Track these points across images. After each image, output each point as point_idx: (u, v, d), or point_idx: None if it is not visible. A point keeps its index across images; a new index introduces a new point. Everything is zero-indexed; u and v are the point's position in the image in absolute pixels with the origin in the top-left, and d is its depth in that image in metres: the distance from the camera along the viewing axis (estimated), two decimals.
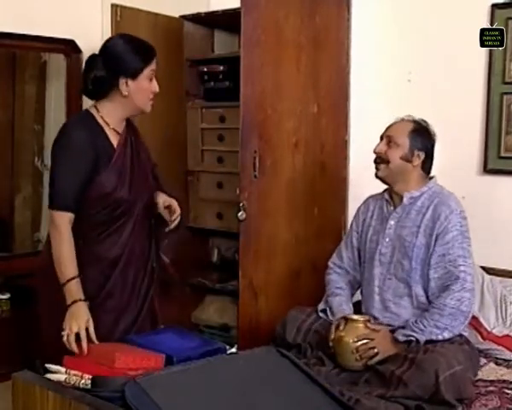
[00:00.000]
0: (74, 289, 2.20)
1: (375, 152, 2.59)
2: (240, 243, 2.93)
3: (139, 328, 2.40)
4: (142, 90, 2.33)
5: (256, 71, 2.93)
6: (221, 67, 3.59)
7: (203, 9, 3.70)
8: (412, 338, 2.38)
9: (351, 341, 2.37)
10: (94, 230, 2.32)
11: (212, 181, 3.71)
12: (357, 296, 2.79)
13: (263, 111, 2.97)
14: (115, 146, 2.34)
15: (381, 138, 2.61)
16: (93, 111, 2.36)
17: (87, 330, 2.15)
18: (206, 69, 3.65)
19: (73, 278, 2.20)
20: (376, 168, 2.59)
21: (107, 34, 3.51)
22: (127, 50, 2.32)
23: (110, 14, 3.39)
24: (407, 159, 2.54)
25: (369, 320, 2.46)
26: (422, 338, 2.37)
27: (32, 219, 4.21)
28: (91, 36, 4.02)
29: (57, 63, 4.02)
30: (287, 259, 3.16)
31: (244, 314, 2.96)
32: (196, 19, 3.70)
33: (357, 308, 2.67)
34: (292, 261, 3.18)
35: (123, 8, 3.42)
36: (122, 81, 2.29)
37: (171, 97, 3.73)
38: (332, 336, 2.44)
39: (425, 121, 2.61)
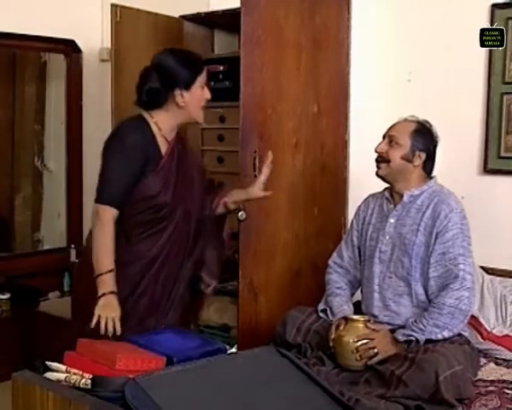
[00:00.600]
0: (109, 281, 2.29)
1: (376, 151, 2.59)
2: (240, 243, 2.93)
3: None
4: (195, 99, 2.45)
5: (256, 71, 2.93)
6: (221, 67, 3.59)
7: (203, 9, 3.70)
8: (412, 338, 2.38)
9: (351, 341, 2.37)
10: (136, 229, 2.42)
11: None
12: (357, 296, 2.79)
13: (263, 111, 2.97)
14: (163, 153, 2.45)
15: (384, 137, 2.61)
16: (147, 117, 2.47)
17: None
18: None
19: (110, 271, 2.29)
20: (377, 167, 2.60)
21: (107, 34, 3.52)
22: (179, 64, 2.44)
23: (110, 14, 3.38)
24: (408, 159, 2.54)
25: (369, 320, 2.46)
26: (422, 338, 2.37)
27: (32, 218, 4.22)
28: (91, 36, 4.03)
29: (57, 63, 4.03)
30: (287, 259, 3.16)
31: (244, 314, 2.96)
32: (196, 19, 3.70)
33: (358, 308, 2.67)
34: (292, 261, 3.18)
35: (123, 8, 3.42)
36: (177, 93, 2.41)
37: None
38: (332, 336, 2.44)
39: (428, 122, 2.61)
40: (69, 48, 3.91)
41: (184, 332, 2.43)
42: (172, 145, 2.49)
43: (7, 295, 3.61)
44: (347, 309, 2.58)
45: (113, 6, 3.39)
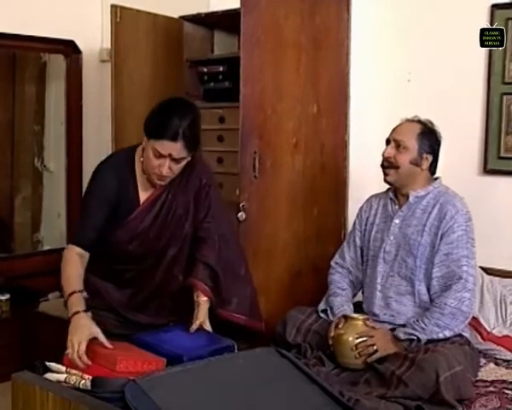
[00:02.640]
0: (75, 302, 2.18)
1: (383, 156, 2.57)
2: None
3: None
4: (148, 157, 2.27)
5: (256, 71, 2.93)
6: (221, 68, 3.58)
7: (203, 10, 3.70)
8: (413, 337, 2.38)
9: (350, 338, 2.38)
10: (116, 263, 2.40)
11: None
12: (359, 297, 2.79)
13: (263, 111, 2.97)
14: (142, 199, 2.35)
15: (388, 141, 2.59)
16: (137, 154, 2.36)
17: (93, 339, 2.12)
18: (205, 70, 3.65)
19: (73, 293, 2.20)
20: (385, 173, 2.58)
21: (107, 35, 3.52)
22: (153, 112, 2.29)
23: (110, 15, 3.38)
24: (416, 163, 2.53)
25: (368, 319, 2.47)
26: (424, 337, 2.37)
27: (31, 219, 4.21)
28: (91, 36, 4.03)
29: (57, 64, 4.02)
30: (287, 259, 3.16)
31: None
32: (196, 19, 3.69)
33: (359, 309, 2.67)
34: (292, 262, 3.18)
35: (123, 8, 3.41)
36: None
37: None
38: (332, 334, 2.44)
39: (430, 122, 2.61)
40: (69, 48, 3.90)
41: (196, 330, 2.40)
42: (157, 194, 2.35)
43: (7, 296, 3.60)
44: (347, 309, 2.58)
45: (113, 6, 3.39)
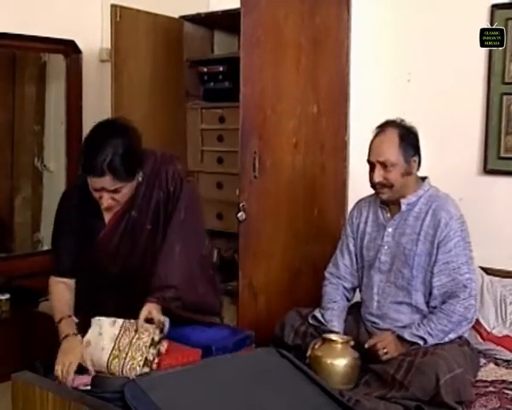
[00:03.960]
0: (65, 327, 2.21)
1: (374, 183, 2.48)
2: (239, 243, 2.93)
3: None
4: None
5: (256, 71, 2.93)
6: (221, 68, 3.59)
7: (203, 10, 3.70)
8: (419, 340, 2.36)
9: (328, 361, 2.33)
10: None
11: (211, 181, 3.71)
12: (357, 297, 2.78)
13: (262, 111, 2.97)
14: (106, 220, 2.33)
15: (371, 164, 2.49)
16: None
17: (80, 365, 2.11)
18: (205, 70, 3.66)
19: (62, 319, 2.22)
20: (379, 193, 2.50)
21: (107, 34, 3.52)
22: (84, 145, 2.21)
23: (110, 15, 3.39)
24: (407, 172, 2.47)
25: (349, 341, 2.40)
26: (431, 340, 2.35)
27: (31, 219, 4.21)
28: (91, 36, 4.03)
29: (57, 63, 4.02)
30: (286, 259, 3.16)
31: (244, 314, 2.96)
32: (196, 19, 3.70)
33: (358, 310, 2.67)
34: (291, 262, 3.18)
35: (123, 8, 3.42)
36: None
37: (171, 98, 3.74)
38: (308, 353, 2.42)
39: (401, 119, 2.51)
40: (69, 48, 3.90)
41: (209, 324, 2.43)
42: (121, 212, 2.30)
43: (7, 296, 3.60)
44: (336, 325, 2.54)
45: (113, 6, 3.40)
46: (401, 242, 2.51)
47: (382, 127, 2.51)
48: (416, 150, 2.49)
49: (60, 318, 2.22)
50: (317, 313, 2.62)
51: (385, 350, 2.33)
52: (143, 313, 2.17)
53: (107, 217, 2.32)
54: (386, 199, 2.53)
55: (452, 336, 2.39)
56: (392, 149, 2.44)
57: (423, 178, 2.56)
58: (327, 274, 2.74)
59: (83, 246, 2.32)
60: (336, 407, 1.98)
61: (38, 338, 3.53)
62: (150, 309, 2.19)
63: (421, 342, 2.36)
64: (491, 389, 2.30)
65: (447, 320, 2.38)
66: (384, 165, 2.44)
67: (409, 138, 2.48)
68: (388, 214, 2.58)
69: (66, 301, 2.29)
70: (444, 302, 2.42)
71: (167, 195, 2.33)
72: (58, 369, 2.07)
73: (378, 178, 2.45)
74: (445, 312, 2.39)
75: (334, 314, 2.58)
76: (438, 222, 2.44)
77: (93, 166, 2.14)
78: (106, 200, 2.20)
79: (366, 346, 2.37)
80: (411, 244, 2.48)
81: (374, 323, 2.55)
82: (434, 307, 2.44)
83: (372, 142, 2.51)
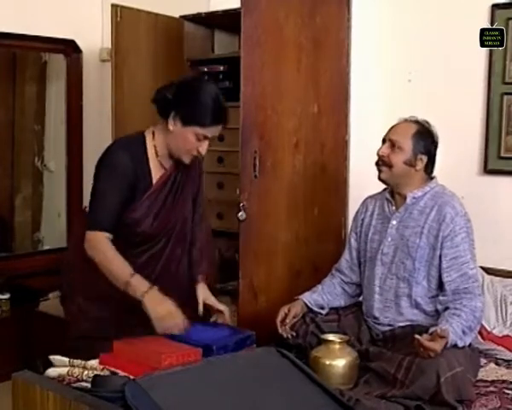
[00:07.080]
0: (137, 284, 2.20)
1: (378, 154, 2.56)
2: (240, 243, 2.93)
3: None
4: (182, 139, 2.30)
5: (256, 71, 2.93)
6: (221, 68, 3.59)
7: (203, 10, 3.70)
8: (462, 343, 2.30)
9: (327, 362, 2.31)
10: (128, 248, 2.35)
11: (212, 181, 3.70)
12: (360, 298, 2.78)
13: (263, 111, 2.97)
14: (154, 180, 2.36)
15: (384, 140, 2.58)
16: (148, 136, 2.37)
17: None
18: (206, 69, 3.65)
19: (131, 276, 2.21)
20: (379, 170, 2.57)
21: (108, 34, 3.52)
22: (199, 99, 2.28)
23: (110, 15, 3.39)
24: (410, 163, 2.51)
25: (348, 340, 2.39)
26: (468, 340, 2.33)
27: (32, 219, 4.22)
28: (91, 36, 4.04)
29: (57, 63, 4.03)
30: (287, 259, 3.16)
31: (244, 314, 2.96)
32: (196, 19, 3.70)
33: (359, 309, 2.67)
34: (292, 261, 3.18)
35: (123, 8, 3.42)
36: (172, 116, 2.28)
37: None
38: (278, 319, 2.58)
39: (428, 122, 2.59)
40: (69, 48, 3.91)
41: (209, 324, 2.45)
42: (168, 175, 2.39)
43: (7, 296, 3.61)
44: (307, 295, 2.66)
45: (114, 6, 3.40)
46: (404, 234, 2.53)
47: (409, 118, 2.59)
48: (427, 152, 2.53)
49: (131, 273, 2.21)
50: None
51: (432, 354, 2.22)
52: (201, 298, 2.43)
53: (155, 178, 2.36)
54: (383, 179, 2.57)
55: (474, 334, 2.38)
56: (405, 135, 2.53)
57: (432, 178, 2.60)
58: (332, 269, 2.80)
59: (126, 204, 2.31)
60: (337, 407, 1.98)
61: (38, 338, 3.54)
62: (206, 296, 2.44)
63: (462, 344, 2.31)
64: (491, 388, 2.30)
65: (473, 316, 2.35)
66: (393, 144, 2.53)
67: (424, 137, 2.54)
68: (394, 207, 2.61)
69: (122, 258, 2.26)
70: (456, 300, 2.39)
71: (199, 164, 2.53)
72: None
73: (382, 152, 2.54)
74: (470, 307, 2.35)
75: (314, 290, 2.69)
76: (443, 217, 2.46)
77: (222, 116, 2.32)
78: (206, 148, 2.32)
79: (416, 337, 2.23)
80: (415, 237, 2.50)
81: (375, 318, 2.55)
82: (447, 307, 2.39)
83: (394, 125, 2.60)
